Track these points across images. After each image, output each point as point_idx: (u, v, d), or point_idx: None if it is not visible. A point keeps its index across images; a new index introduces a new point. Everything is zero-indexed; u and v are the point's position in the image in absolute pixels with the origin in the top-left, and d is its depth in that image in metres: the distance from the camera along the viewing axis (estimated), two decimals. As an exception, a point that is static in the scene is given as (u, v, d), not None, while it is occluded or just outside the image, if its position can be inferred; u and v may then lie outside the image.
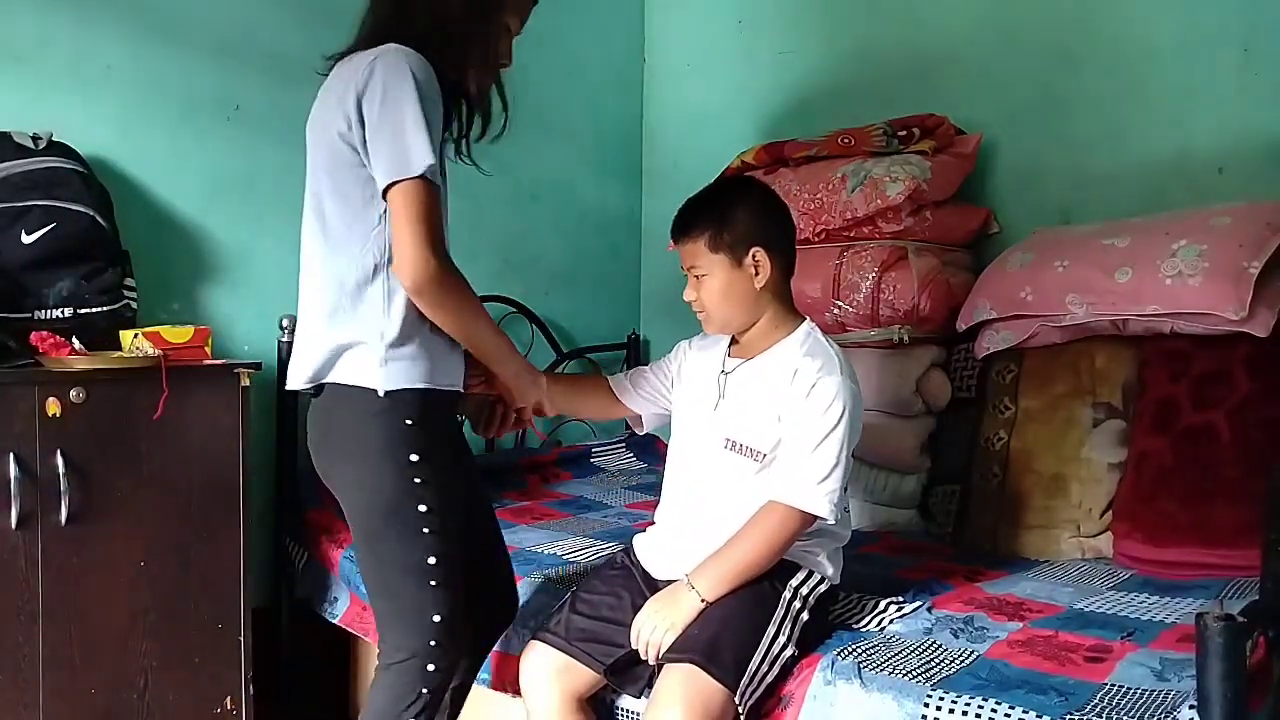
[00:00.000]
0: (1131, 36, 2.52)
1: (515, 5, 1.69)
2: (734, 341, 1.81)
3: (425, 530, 1.57)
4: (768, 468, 1.68)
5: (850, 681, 1.54)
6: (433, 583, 1.59)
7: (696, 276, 1.74)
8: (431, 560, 1.58)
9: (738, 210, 1.72)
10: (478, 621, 1.75)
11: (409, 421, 1.56)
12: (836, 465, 1.63)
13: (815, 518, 1.63)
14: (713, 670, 1.52)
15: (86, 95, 2.30)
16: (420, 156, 1.47)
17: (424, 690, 1.61)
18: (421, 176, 1.47)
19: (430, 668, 1.61)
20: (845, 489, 1.69)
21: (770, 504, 1.63)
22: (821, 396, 1.64)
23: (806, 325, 1.76)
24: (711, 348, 1.84)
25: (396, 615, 1.63)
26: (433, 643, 1.60)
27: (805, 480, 1.62)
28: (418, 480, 1.56)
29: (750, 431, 1.71)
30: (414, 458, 1.56)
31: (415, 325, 1.58)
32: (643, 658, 1.63)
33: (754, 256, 1.70)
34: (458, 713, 1.85)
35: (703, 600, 1.61)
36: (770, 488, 1.65)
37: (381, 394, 1.56)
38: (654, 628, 1.61)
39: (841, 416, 1.63)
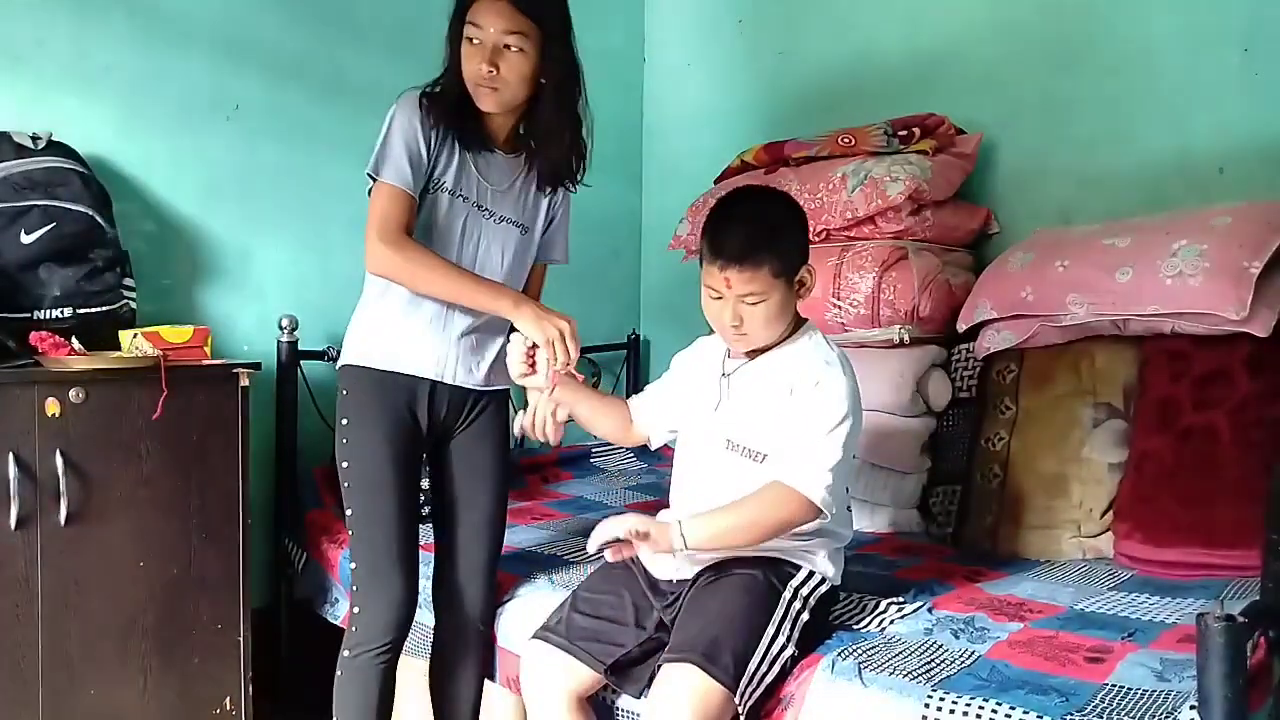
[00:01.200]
0: (1132, 36, 2.52)
1: (463, 10, 1.77)
2: (729, 349, 1.80)
3: (345, 484, 1.84)
4: (769, 466, 1.67)
5: (851, 682, 1.54)
6: (350, 532, 1.83)
7: (751, 303, 1.66)
8: (349, 511, 1.83)
9: (791, 231, 1.72)
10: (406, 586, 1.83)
11: (345, 392, 1.86)
12: (838, 461, 1.62)
13: (811, 507, 1.61)
14: (712, 670, 1.52)
15: (86, 95, 2.30)
16: (371, 165, 1.77)
17: (354, 628, 1.82)
18: (376, 181, 1.76)
19: (355, 609, 1.83)
20: (846, 490, 1.69)
21: (771, 483, 1.62)
22: (828, 392, 1.64)
23: (809, 325, 1.76)
24: (710, 351, 1.84)
25: None
26: (354, 587, 1.84)
27: (805, 467, 1.61)
28: (344, 441, 1.84)
29: (751, 432, 1.70)
30: (344, 421, 1.85)
31: (372, 307, 1.86)
32: (597, 538, 1.63)
33: (802, 275, 1.70)
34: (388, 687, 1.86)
35: (683, 541, 1.60)
36: (774, 470, 1.64)
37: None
38: (625, 526, 1.60)
39: (846, 414, 1.63)
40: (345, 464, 1.83)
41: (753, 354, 1.76)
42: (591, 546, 1.64)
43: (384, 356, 1.83)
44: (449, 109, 1.79)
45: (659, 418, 1.90)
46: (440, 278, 1.75)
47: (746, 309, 1.66)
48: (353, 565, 1.84)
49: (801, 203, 2.51)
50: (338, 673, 1.82)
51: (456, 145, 1.82)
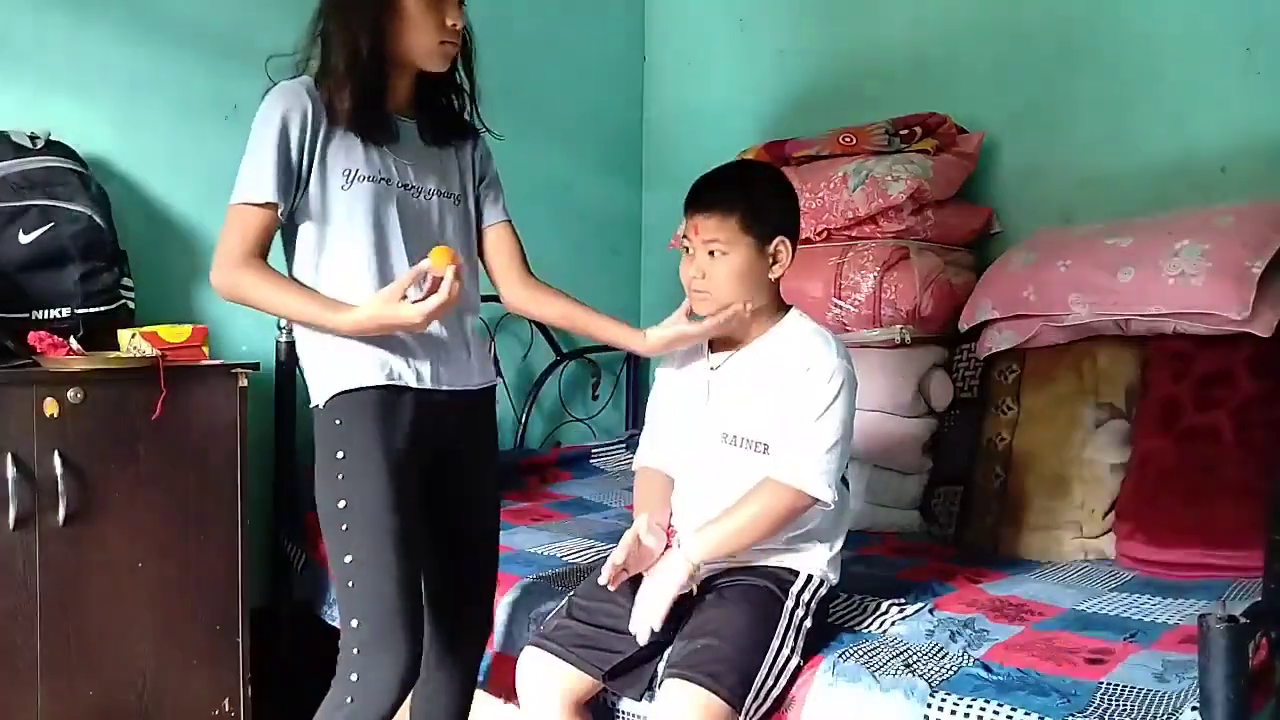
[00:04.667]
0: (1134, 36, 2.51)
1: None
2: (711, 344, 1.76)
3: (342, 526, 1.56)
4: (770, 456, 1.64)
5: (852, 683, 1.54)
6: (350, 583, 1.55)
7: (711, 253, 1.66)
8: (347, 559, 1.55)
9: (772, 197, 1.71)
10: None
11: (339, 423, 1.60)
12: (835, 445, 1.60)
13: (811, 498, 1.60)
14: (718, 690, 1.49)
15: (84, 95, 2.29)
16: (238, 189, 1.63)
17: (349, 699, 1.52)
18: (236, 205, 1.63)
19: (353, 675, 1.53)
20: (846, 484, 1.67)
21: (768, 480, 1.61)
22: (819, 373, 1.62)
23: (795, 311, 1.74)
24: (689, 353, 1.80)
25: None
26: (354, 650, 1.55)
27: (803, 460, 1.59)
28: (340, 476, 1.58)
29: (748, 423, 1.67)
30: (339, 455, 1.58)
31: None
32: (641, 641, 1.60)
33: (776, 246, 1.68)
34: None
35: (688, 561, 1.58)
36: (770, 468, 1.62)
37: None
38: (649, 608, 1.58)
39: (839, 393, 1.61)
40: (343, 503, 1.55)
41: (735, 345, 1.73)
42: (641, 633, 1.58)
43: (377, 372, 1.57)
44: (363, 91, 1.59)
45: (666, 444, 1.81)
46: (279, 310, 1.63)
47: (711, 263, 1.66)
48: (353, 623, 1.54)
49: (802, 202, 2.51)
50: None
51: (355, 130, 1.60)
